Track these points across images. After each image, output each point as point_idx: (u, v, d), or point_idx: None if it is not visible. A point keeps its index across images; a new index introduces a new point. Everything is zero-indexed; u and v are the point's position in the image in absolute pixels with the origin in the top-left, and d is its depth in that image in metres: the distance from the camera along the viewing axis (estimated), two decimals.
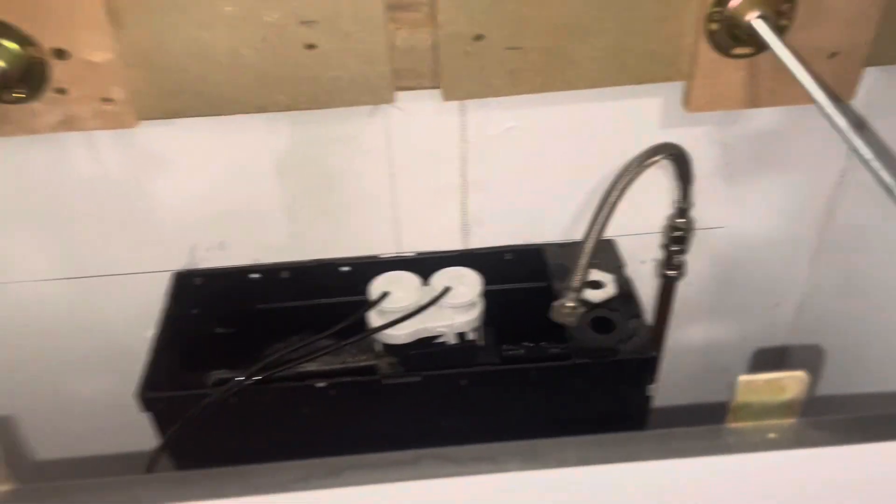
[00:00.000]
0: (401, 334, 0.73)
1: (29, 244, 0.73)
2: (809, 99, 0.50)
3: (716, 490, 0.29)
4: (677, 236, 0.77)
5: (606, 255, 0.80)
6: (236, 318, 0.81)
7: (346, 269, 0.80)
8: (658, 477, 0.30)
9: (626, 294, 0.75)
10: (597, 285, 0.75)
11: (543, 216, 0.79)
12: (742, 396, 0.29)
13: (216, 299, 0.80)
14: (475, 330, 0.75)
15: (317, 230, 0.78)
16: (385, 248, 0.80)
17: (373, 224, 0.78)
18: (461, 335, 0.75)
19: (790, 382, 0.29)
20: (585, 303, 0.73)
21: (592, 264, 0.76)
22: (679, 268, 0.80)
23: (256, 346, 0.76)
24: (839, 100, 0.51)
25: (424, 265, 0.76)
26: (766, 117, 0.71)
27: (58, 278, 0.77)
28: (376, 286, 0.74)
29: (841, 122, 0.45)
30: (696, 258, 0.82)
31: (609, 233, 0.81)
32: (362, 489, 0.35)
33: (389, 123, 0.70)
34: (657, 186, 0.76)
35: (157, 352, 0.71)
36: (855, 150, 0.43)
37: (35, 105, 0.57)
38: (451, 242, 0.80)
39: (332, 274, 0.80)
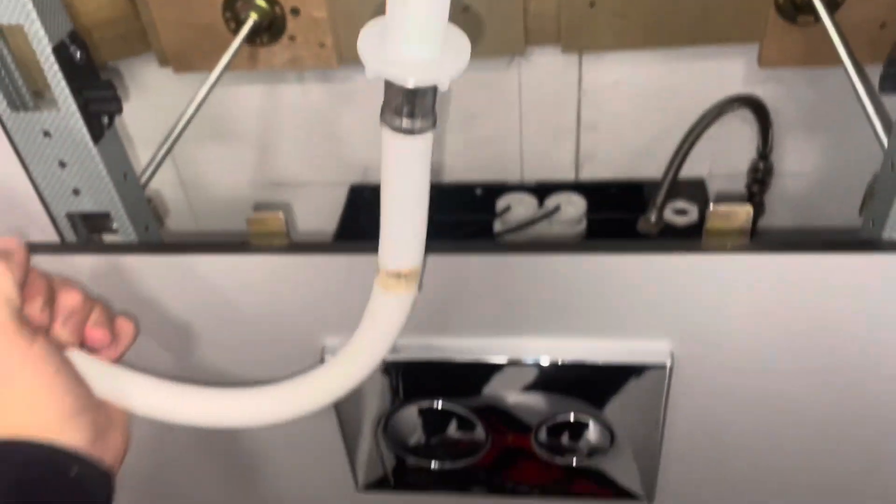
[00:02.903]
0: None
1: (240, 156, 1.00)
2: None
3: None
4: (758, 178, 0.92)
5: (696, 190, 0.95)
6: None
7: (479, 191, 1.01)
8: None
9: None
10: (682, 213, 0.91)
11: (644, 156, 0.96)
12: (711, 223, 0.47)
13: (379, 210, 1.03)
14: None
15: (459, 158, 0.99)
16: (511, 175, 1.00)
17: (503, 155, 0.98)
18: None
19: (741, 212, 0.46)
20: (669, 225, 0.90)
21: (682, 196, 0.93)
22: (760, 207, 0.94)
23: None
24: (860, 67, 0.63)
25: (542, 192, 0.96)
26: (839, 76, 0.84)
27: (260, 181, 1.04)
28: (502, 202, 0.95)
29: (859, 86, 0.60)
30: (777, 200, 0.95)
31: (701, 172, 0.97)
32: None
33: (521, 73, 0.89)
34: (748, 134, 0.91)
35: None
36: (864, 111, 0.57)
37: (274, 47, 0.82)
38: (565, 174, 0.99)
39: (469, 194, 1.02)
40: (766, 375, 0.54)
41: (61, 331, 0.43)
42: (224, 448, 0.70)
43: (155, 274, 0.55)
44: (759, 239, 0.48)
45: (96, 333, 0.45)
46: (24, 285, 0.41)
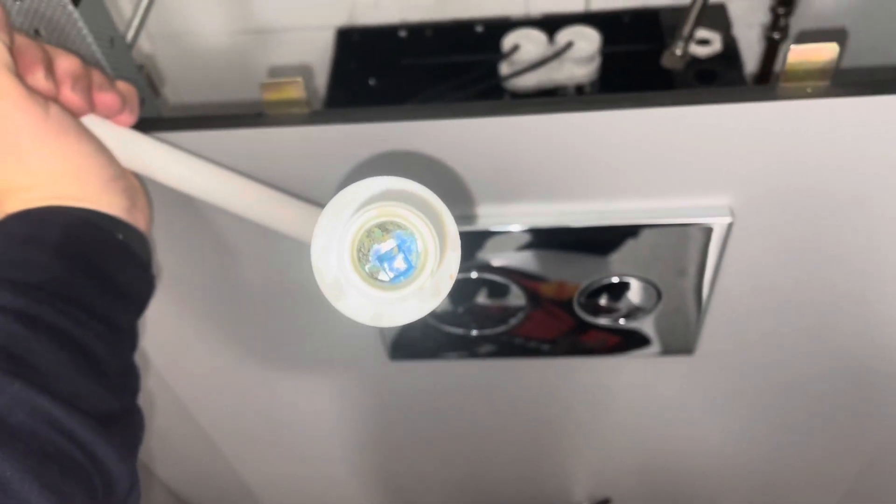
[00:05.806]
0: (526, 83, 0.87)
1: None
2: None
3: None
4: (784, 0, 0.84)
5: (717, 17, 0.88)
6: (387, 72, 0.96)
7: (479, 28, 0.92)
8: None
9: (730, 52, 0.84)
10: (705, 43, 0.85)
11: None
12: (792, 59, 0.41)
13: (370, 54, 0.94)
14: (592, 83, 0.88)
15: None
16: (515, 9, 0.91)
17: None
18: (579, 88, 0.88)
19: (826, 50, 0.41)
20: (693, 58, 0.83)
21: (703, 24, 0.86)
22: (784, 30, 0.87)
23: (402, 96, 0.92)
24: None
25: (550, 25, 0.87)
26: None
27: (240, 30, 0.93)
28: (508, 40, 0.87)
29: None
30: (802, 21, 0.89)
31: None
32: None
33: None
34: None
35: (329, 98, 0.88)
36: None
37: None
38: (574, 4, 0.90)
39: (468, 32, 0.93)
40: (831, 219, 0.51)
41: (71, 97, 0.39)
42: (256, 314, 0.68)
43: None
44: (842, 80, 0.43)
45: (105, 98, 0.41)
46: (15, 52, 0.37)
